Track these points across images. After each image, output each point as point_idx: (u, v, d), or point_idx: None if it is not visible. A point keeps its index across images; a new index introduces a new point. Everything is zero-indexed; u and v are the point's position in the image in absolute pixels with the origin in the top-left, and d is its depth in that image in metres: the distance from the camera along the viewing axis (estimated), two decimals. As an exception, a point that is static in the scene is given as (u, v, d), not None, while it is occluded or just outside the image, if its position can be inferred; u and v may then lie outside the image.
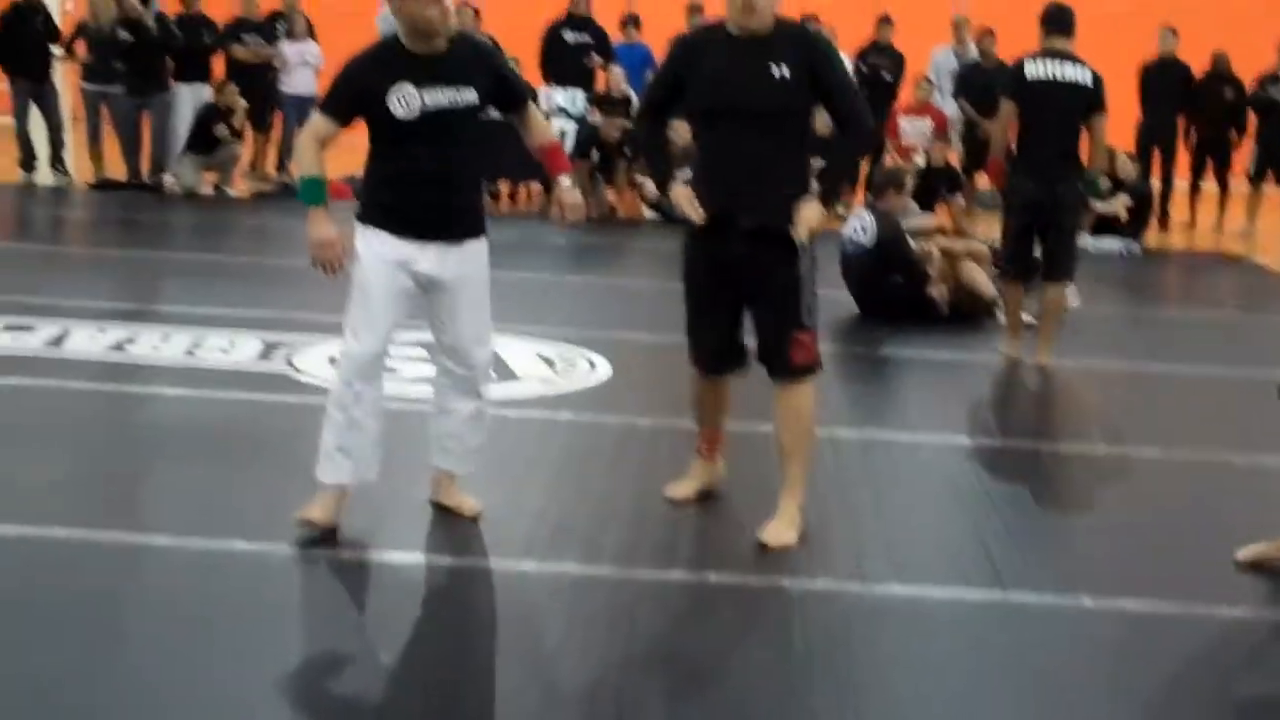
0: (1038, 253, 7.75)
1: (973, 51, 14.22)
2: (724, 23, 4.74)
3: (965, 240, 8.84)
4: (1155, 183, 13.80)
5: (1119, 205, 12.51)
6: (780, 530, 4.81)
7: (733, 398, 5.21)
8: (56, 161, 13.69)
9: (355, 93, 4.55)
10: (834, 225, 5.02)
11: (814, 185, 4.79)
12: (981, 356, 7.87)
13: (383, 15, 11.91)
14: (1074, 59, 7.50)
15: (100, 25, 13.37)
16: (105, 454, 5.63)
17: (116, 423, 6.10)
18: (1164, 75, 14.03)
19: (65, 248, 11.35)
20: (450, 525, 4.87)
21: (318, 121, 4.60)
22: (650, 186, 12.96)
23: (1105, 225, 12.48)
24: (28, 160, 13.72)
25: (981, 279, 8.67)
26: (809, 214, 4.66)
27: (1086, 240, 12.27)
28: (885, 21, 14.79)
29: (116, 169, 13.57)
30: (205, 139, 13.25)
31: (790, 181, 4.71)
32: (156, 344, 7.19)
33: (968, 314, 8.67)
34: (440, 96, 4.50)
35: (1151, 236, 13.27)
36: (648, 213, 13.21)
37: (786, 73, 4.60)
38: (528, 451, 5.65)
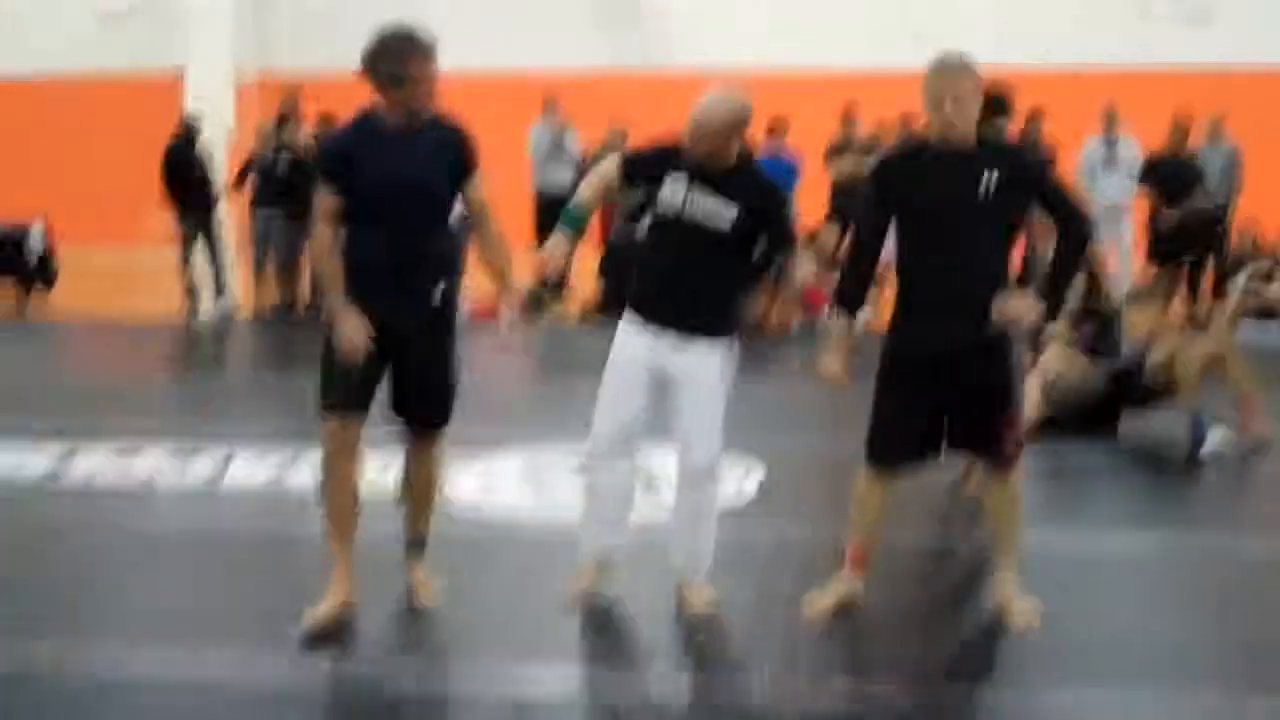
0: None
1: (1124, 141, 13.82)
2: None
3: None
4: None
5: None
6: (1027, 609, 4.98)
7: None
8: (220, 291, 13.95)
9: None
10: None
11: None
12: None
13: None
14: None
15: (265, 154, 13.75)
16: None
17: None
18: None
19: (229, 376, 11.64)
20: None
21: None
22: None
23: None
24: (194, 291, 14.00)
25: None
26: (1014, 305, 4.74)
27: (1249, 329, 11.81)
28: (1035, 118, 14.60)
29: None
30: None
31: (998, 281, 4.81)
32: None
33: None
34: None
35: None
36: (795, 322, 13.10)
37: (992, 184, 4.70)
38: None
